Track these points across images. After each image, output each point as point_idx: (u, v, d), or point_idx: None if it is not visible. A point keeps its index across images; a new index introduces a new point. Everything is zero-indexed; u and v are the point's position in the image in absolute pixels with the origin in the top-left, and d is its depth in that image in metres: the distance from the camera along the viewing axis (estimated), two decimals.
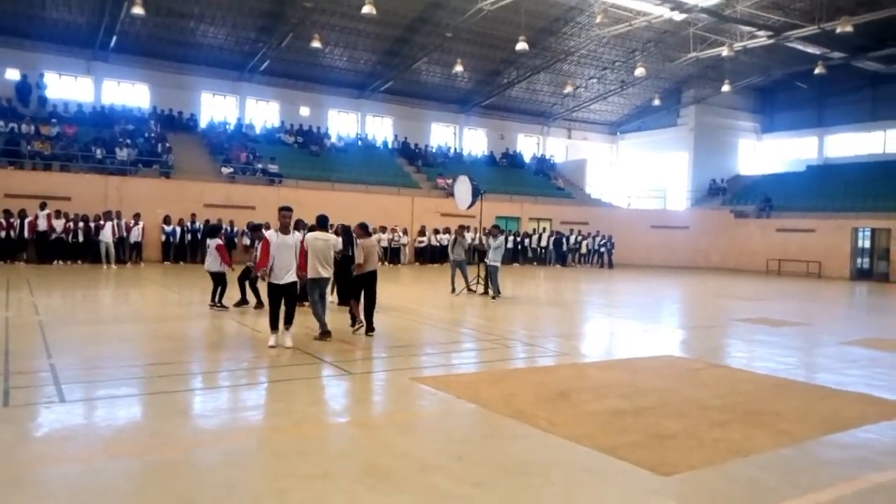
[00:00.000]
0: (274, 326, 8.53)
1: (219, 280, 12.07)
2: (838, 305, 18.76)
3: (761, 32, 28.58)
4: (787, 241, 30.93)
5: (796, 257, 30.08)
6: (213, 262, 12.11)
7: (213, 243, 12.20)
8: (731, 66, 34.37)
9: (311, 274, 9.15)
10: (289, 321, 8.61)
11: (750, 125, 42.10)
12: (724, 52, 28.99)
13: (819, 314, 16.02)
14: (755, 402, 6.56)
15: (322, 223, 9.94)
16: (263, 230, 10.96)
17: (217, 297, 12.08)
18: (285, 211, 8.64)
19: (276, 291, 8.56)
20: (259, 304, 12.27)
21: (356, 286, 10.31)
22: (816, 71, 30.77)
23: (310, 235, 9.61)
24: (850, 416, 6.18)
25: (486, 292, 16.07)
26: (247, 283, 12.43)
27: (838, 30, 25.30)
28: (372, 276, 10.30)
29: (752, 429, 5.59)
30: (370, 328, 9.95)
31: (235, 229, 23.73)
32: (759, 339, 10.93)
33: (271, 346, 8.38)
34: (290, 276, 8.53)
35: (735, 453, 4.97)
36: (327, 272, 9.46)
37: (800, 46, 29.91)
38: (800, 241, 30.44)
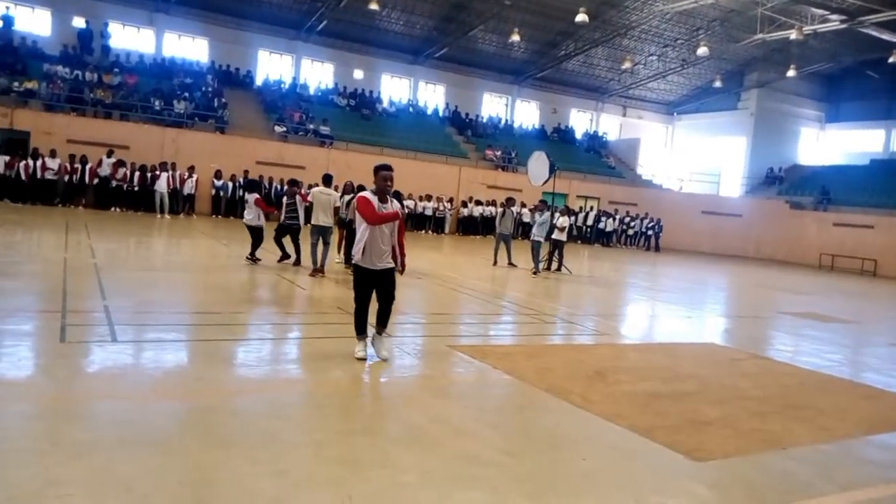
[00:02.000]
0: (361, 330, 6.22)
1: (256, 234, 12.29)
2: (891, 305, 18.14)
3: (834, 16, 27.36)
4: (844, 237, 29.92)
5: (852, 253, 29.10)
6: (251, 216, 12.39)
7: (251, 198, 12.51)
8: (798, 50, 33.04)
9: (314, 222, 11.56)
10: (384, 321, 6.26)
11: (813, 113, 40.54)
12: (793, 35, 27.83)
13: (870, 313, 15.53)
14: (797, 395, 6.44)
15: (326, 181, 12.04)
16: (301, 187, 12.59)
17: (252, 250, 12.30)
18: (385, 171, 6.07)
19: (367, 279, 6.12)
20: (297, 261, 12.45)
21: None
22: (890, 60, 29.37)
23: (315, 190, 11.87)
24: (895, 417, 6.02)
25: (558, 268, 16.21)
26: (283, 239, 12.53)
27: None
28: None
29: (792, 422, 5.49)
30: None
31: (284, 188, 24.06)
32: (805, 334, 10.68)
33: (359, 358, 6.09)
34: (388, 261, 6.19)
35: (772, 445, 4.89)
36: (329, 222, 11.75)
37: (874, 32, 28.55)
38: (857, 236, 29.41)
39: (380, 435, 4.38)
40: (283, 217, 12.57)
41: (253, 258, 12.24)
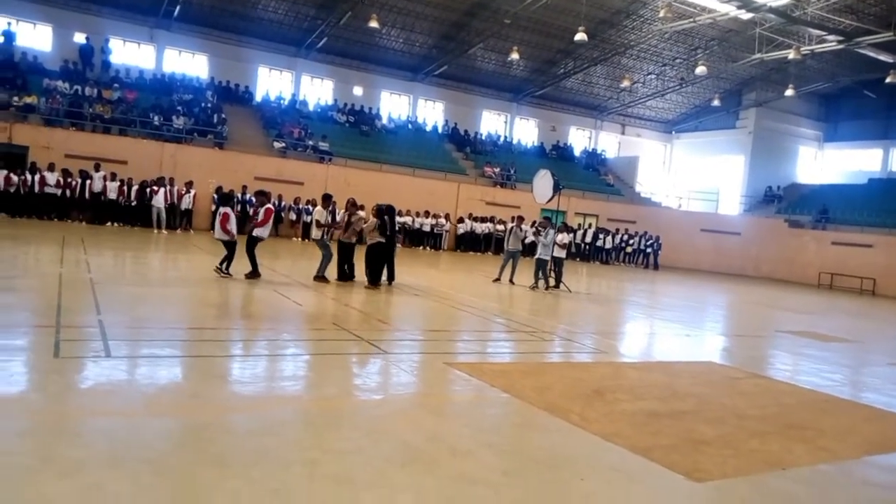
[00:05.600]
0: None
1: (227, 247, 12.02)
2: (891, 324, 18.09)
3: (831, 37, 27.54)
4: (842, 255, 29.90)
5: (851, 272, 29.07)
6: (218, 230, 12.16)
7: (220, 212, 12.19)
8: (796, 70, 33.26)
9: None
10: None
11: (811, 133, 40.74)
12: (791, 55, 28.01)
13: (870, 332, 15.48)
14: (796, 415, 6.38)
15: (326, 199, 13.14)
16: (269, 198, 12.96)
17: (223, 264, 11.93)
18: None
19: None
20: (256, 274, 12.08)
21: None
22: (887, 80, 29.54)
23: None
24: None
25: (556, 285, 16.14)
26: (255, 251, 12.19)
27: None
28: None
29: (792, 442, 5.44)
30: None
31: (283, 203, 24.14)
32: (804, 353, 10.62)
33: None
34: None
35: (772, 465, 4.84)
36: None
37: (871, 53, 28.74)
38: (856, 255, 29.39)
39: (374, 454, 4.32)
40: (254, 229, 12.22)
41: (225, 272, 11.85)
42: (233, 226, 12.04)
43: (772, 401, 6.88)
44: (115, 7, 27.76)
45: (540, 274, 15.75)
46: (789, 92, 33.56)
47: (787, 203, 36.82)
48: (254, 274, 12.05)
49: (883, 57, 29.00)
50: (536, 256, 16.00)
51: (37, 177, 20.47)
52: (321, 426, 4.89)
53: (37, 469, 3.59)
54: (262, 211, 12.27)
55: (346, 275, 13.05)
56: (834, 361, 10.15)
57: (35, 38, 27.17)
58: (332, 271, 13.05)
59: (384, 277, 13.20)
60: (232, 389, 5.62)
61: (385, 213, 13.13)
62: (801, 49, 28.07)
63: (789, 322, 15.13)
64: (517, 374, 6.95)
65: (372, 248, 12.86)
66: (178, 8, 27.71)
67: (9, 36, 25.93)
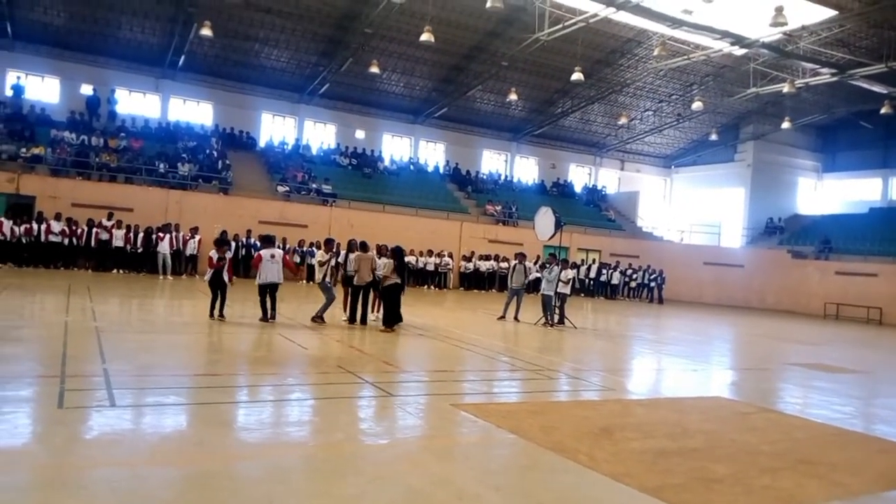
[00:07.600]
0: None
1: (211, 289, 12.20)
2: None
3: (825, 70, 27.92)
4: (847, 285, 29.81)
5: (856, 302, 28.95)
6: (208, 273, 12.39)
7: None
8: (791, 102, 33.65)
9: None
10: None
11: (810, 164, 41.02)
12: (785, 88, 28.38)
13: (879, 362, 15.33)
14: (808, 450, 6.30)
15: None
16: (273, 244, 12.97)
17: (214, 308, 12.13)
18: None
19: None
20: (265, 318, 12.21)
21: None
22: (882, 110, 29.86)
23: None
24: None
25: (560, 321, 16.09)
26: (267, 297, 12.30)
27: None
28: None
29: (805, 478, 5.36)
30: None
31: (287, 246, 24.27)
32: (813, 385, 10.52)
33: None
34: None
35: (785, 503, 4.76)
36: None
37: (865, 85, 29.09)
38: (860, 285, 29.30)
39: (380, 499, 4.27)
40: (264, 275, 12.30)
41: (219, 316, 12.06)
42: (215, 262, 12.20)
43: (782, 435, 6.80)
44: (122, 59, 28.40)
45: (543, 309, 15.77)
46: (786, 125, 33.92)
47: (788, 234, 36.87)
48: (263, 317, 12.29)
49: (877, 88, 29.34)
50: (541, 293, 16.07)
51: (43, 226, 20.66)
52: (327, 472, 4.85)
53: None
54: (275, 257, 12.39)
55: (359, 318, 13.17)
56: (844, 393, 10.04)
57: (43, 90, 27.76)
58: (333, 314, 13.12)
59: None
60: (237, 436, 5.59)
61: (398, 254, 13.04)
62: (796, 82, 28.45)
63: (797, 354, 15.01)
64: (524, 413, 6.89)
65: (388, 290, 12.73)
66: (182, 58, 28.30)
67: (18, 90, 26.53)
